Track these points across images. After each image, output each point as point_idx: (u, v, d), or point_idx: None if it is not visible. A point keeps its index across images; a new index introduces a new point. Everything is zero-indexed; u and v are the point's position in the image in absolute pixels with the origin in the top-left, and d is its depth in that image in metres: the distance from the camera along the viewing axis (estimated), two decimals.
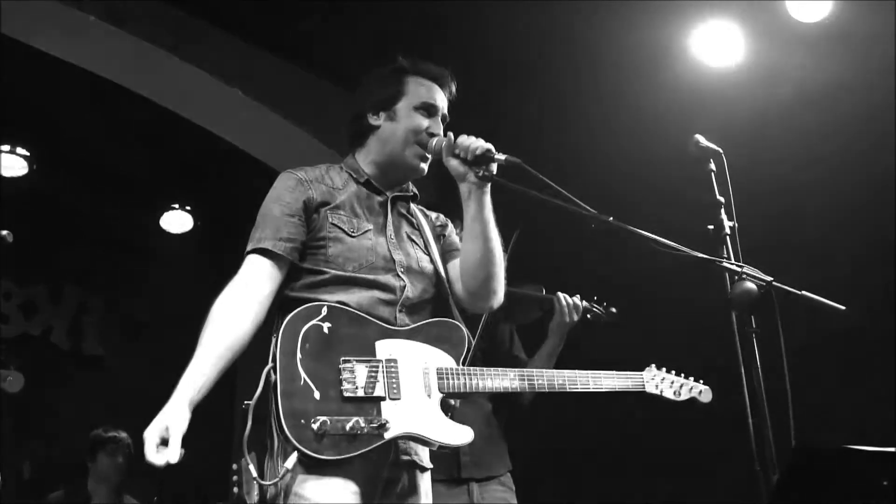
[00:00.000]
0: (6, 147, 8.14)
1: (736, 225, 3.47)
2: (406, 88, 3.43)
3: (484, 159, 3.23)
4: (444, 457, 4.50)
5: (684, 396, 3.98)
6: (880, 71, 5.40)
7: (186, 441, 8.57)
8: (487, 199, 3.32)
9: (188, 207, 9.19)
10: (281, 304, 3.19)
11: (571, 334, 4.93)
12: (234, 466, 5.78)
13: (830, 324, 3.56)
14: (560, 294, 4.89)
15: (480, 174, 3.25)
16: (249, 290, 3.19)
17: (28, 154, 8.15)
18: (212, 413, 9.16)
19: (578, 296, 4.92)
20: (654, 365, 3.93)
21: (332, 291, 3.15)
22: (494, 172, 3.26)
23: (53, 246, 8.99)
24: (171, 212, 9.20)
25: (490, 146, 3.25)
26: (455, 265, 3.45)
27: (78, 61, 7.02)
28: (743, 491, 3.22)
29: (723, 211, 3.50)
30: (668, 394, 3.92)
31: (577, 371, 3.51)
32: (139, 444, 7.00)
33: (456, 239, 3.55)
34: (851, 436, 2.88)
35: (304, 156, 6.84)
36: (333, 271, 3.19)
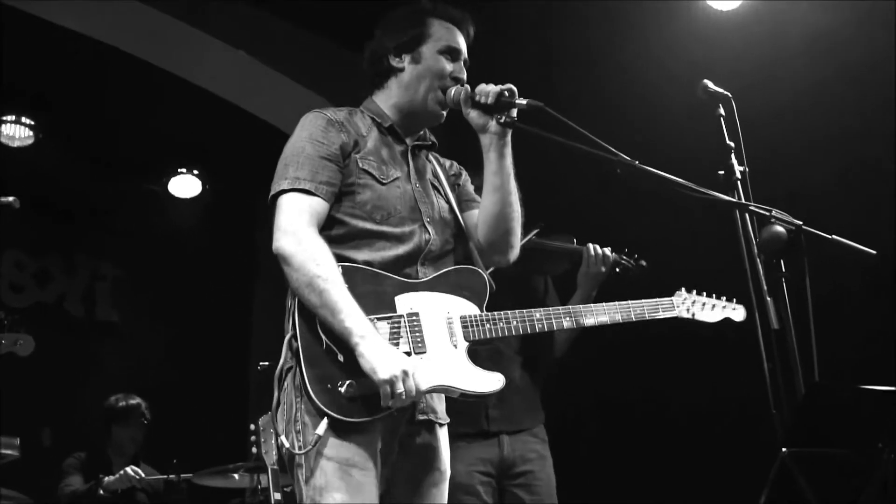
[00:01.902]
0: (11, 117, 8.12)
1: (747, 169, 3.44)
2: (430, 31, 3.36)
3: (504, 103, 3.19)
4: (472, 411, 4.55)
5: (717, 317, 3.87)
6: (888, 15, 5.34)
7: (203, 403, 8.60)
8: (508, 150, 3.30)
9: (196, 171, 9.16)
10: None
11: (604, 288, 4.89)
12: (252, 427, 5.84)
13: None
14: (590, 245, 4.86)
15: (503, 121, 3.22)
16: (314, 233, 3.05)
17: (33, 123, 8.13)
18: (227, 376, 9.31)
19: (609, 248, 4.89)
20: (683, 288, 3.83)
21: (358, 247, 3.12)
22: (516, 118, 3.22)
23: (63, 214, 9.01)
24: (178, 176, 9.18)
25: (510, 86, 3.22)
26: (471, 216, 3.42)
27: (83, 29, 7.00)
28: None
29: (733, 155, 3.47)
30: (701, 316, 3.78)
31: (604, 303, 3.45)
32: (154, 408, 7.05)
33: (471, 188, 3.51)
34: (872, 379, 2.88)
35: None
36: (360, 223, 3.14)
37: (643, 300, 3.55)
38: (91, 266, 9.44)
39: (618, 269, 4.85)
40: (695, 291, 3.81)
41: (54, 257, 9.20)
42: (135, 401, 7.30)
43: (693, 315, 3.78)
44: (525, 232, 4.61)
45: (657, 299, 3.65)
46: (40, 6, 6.74)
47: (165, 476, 6.82)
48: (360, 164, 3.20)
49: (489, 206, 3.33)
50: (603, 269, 4.82)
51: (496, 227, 3.33)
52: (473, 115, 3.26)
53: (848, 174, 5.54)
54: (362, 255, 3.10)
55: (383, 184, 3.22)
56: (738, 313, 3.92)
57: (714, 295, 3.90)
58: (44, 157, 8.30)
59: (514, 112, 3.21)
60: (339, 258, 3.04)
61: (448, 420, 3.29)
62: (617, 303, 3.47)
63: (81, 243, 9.39)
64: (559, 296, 5.09)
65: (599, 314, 3.40)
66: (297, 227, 3.03)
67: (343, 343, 2.91)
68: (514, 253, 3.41)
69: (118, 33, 7.16)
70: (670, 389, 6.34)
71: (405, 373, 2.86)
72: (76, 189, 8.95)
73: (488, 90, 3.21)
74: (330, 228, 3.13)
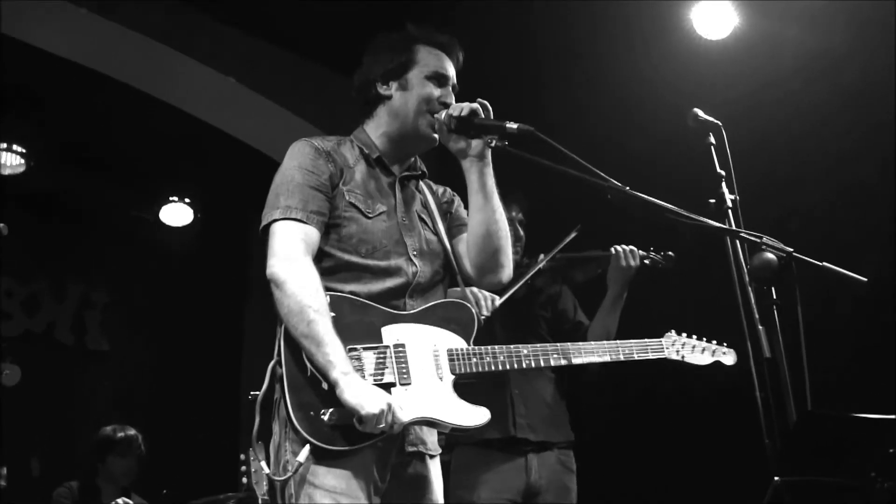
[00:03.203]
0: (3, 144, 8.10)
1: (737, 198, 3.44)
2: (417, 57, 3.35)
3: (478, 125, 3.21)
4: (499, 420, 4.56)
5: (707, 360, 3.90)
6: (880, 40, 5.36)
7: (193, 433, 8.55)
8: (489, 170, 3.29)
9: (187, 200, 9.16)
10: None
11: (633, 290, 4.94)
12: (243, 457, 5.81)
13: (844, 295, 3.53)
14: (616, 246, 4.89)
15: (492, 144, 3.23)
16: (309, 262, 3.06)
17: (25, 151, 8.12)
18: (218, 405, 9.26)
19: (633, 246, 4.91)
20: (673, 331, 3.85)
21: (344, 280, 3.11)
22: (507, 143, 3.23)
23: (54, 242, 8.99)
24: (170, 204, 9.17)
25: (475, 105, 3.22)
26: (462, 240, 3.41)
27: (70, 55, 7.00)
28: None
29: (724, 184, 3.47)
30: (691, 359, 3.83)
31: (593, 343, 3.50)
32: (144, 437, 7.01)
33: (464, 213, 3.48)
34: (864, 406, 2.87)
35: None
36: (346, 256, 3.13)
37: (632, 340, 3.60)
38: (81, 294, 9.41)
39: (647, 263, 4.86)
40: (685, 334, 3.84)
41: (44, 285, 9.16)
42: (132, 432, 7.25)
43: (683, 357, 3.82)
44: (565, 234, 4.65)
45: (647, 340, 3.70)
46: (32, 34, 6.74)
47: None
48: (347, 197, 3.20)
49: (475, 227, 3.33)
50: (633, 263, 4.82)
51: (484, 247, 3.32)
52: (451, 144, 3.28)
53: (841, 198, 5.55)
54: (349, 287, 3.09)
55: (368, 217, 3.21)
56: (728, 357, 3.96)
57: (705, 338, 3.93)
58: (35, 185, 8.28)
59: (506, 133, 3.18)
60: (327, 290, 3.03)
61: (440, 451, 3.26)
62: (607, 342, 3.52)
63: (71, 271, 9.36)
64: (590, 309, 5.13)
65: (588, 353, 3.43)
66: (292, 254, 3.03)
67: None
68: (506, 273, 3.39)
69: (110, 61, 7.15)
70: (661, 419, 6.32)
71: (389, 406, 2.86)
72: (67, 217, 8.95)
73: (459, 108, 3.22)
74: (318, 261, 3.11)
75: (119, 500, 6.63)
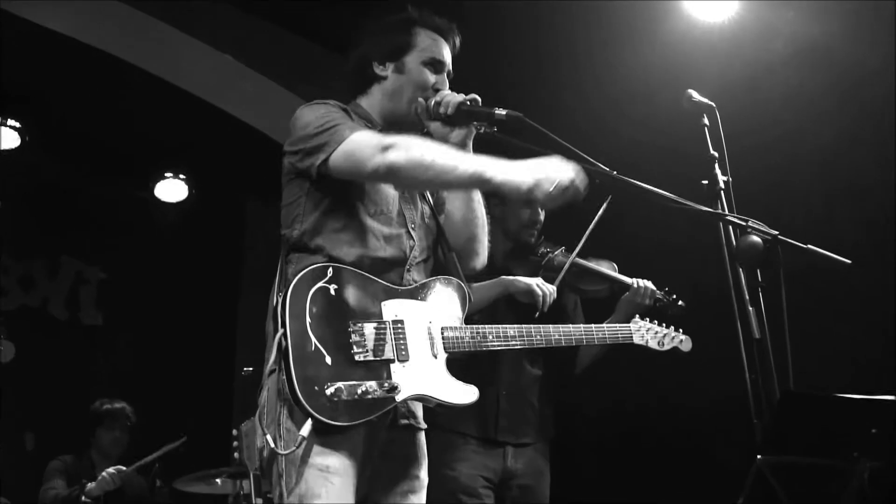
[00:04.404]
0: None
1: (730, 179, 3.47)
2: (415, 40, 3.36)
3: (464, 112, 3.21)
4: (482, 416, 4.63)
5: (667, 346, 4.18)
6: (875, 25, 5.36)
7: (187, 408, 8.59)
8: None
9: (182, 176, 9.16)
10: (293, 248, 3.14)
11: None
12: (235, 432, 5.84)
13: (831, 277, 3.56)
14: (637, 279, 4.86)
15: (482, 130, 3.25)
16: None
17: (19, 126, 8.10)
18: (211, 381, 9.30)
19: (651, 282, 4.90)
20: (637, 316, 4.01)
21: (350, 242, 3.10)
22: (496, 129, 3.24)
23: (49, 218, 8.99)
24: (165, 181, 9.18)
25: (474, 95, 3.23)
26: (441, 221, 3.43)
27: (67, 31, 6.99)
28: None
29: (717, 165, 3.49)
30: (653, 344, 4.09)
31: (571, 326, 3.65)
32: (138, 412, 7.05)
33: (444, 194, 3.49)
34: (847, 387, 2.89)
35: None
36: (355, 214, 3.13)
37: (605, 325, 3.87)
38: (76, 269, 9.42)
39: (657, 305, 4.86)
40: (647, 320, 3.98)
41: (39, 261, 9.18)
42: (119, 404, 7.30)
43: (647, 342, 4.00)
44: (598, 205, 4.63)
45: (618, 325, 4.02)
46: (25, 7, 6.72)
47: (143, 462, 6.81)
48: None
49: (452, 213, 3.38)
50: (647, 301, 4.83)
51: (460, 233, 3.38)
52: (434, 127, 3.28)
53: (833, 185, 5.56)
54: (354, 251, 3.09)
55: None
56: (685, 344, 4.14)
57: (664, 324, 4.04)
58: (29, 161, 8.28)
59: (495, 119, 3.20)
60: (331, 257, 3.05)
61: (425, 426, 3.29)
62: (584, 325, 3.74)
63: (66, 247, 9.37)
64: (585, 315, 5.15)
65: (568, 335, 3.61)
66: (385, 141, 3.03)
67: (331, 345, 2.91)
68: (480, 260, 3.43)
69: (105, 36, 7.14)
70: (652, 401, 6.35)
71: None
72: (62, 193, 8.95)
73: (448, 100, 3.23)
74: (327, 220, 3.12)
75: (105, 473, 6.67)
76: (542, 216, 4.98)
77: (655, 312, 4.77)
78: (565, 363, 5.00)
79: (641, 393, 6.37)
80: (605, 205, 4.64)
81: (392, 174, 3.02)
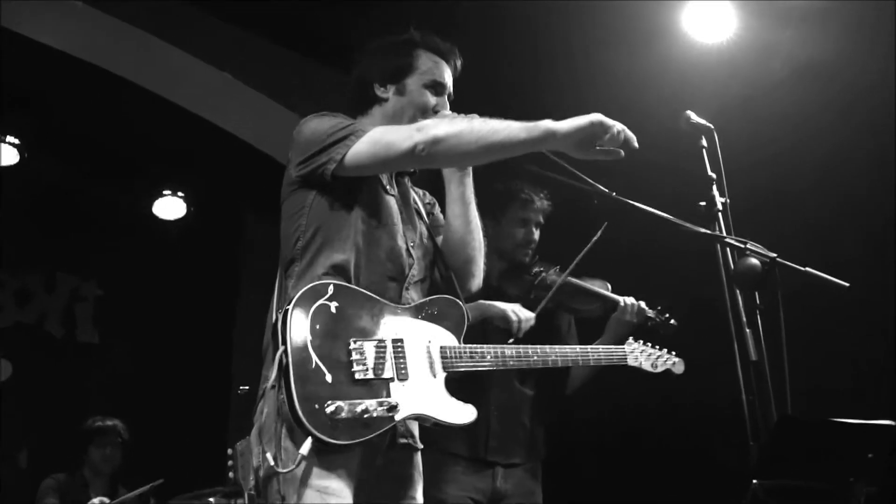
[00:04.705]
0: None
1: (728, 201, 3.46)
2: (417, 63, 3.38)
3: None
4: (472, 436, 4.59)
5: (660, 368, 4.20)
6: (872, 44, 5.37)
7: (182, 426, 8.52)
8: (469, 180, 3.36)
9: (180, 193, 9.16)
10: (293, 260, 3.12)
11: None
12: (230, 451, 5.81)
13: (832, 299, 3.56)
14: (626, 298, 4.87)
15: None
16: None
17: (18, 143, 8.10)
18: (208, 399, 9.27)
19: (644, 302, 4.90)
20: (631, 338, 4.02)
21: (352, 257, 3.09)
22: None
23: (46, 234, 8.99)
24: (163, 198, 9.17)
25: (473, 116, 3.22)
26: (438, 243, 3.44)
27: (66, 48, 6.99)
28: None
29: (714, 187, 3.49)
30: (647, 366, 4.10)
31: (567, 346, 3.63)
32: (133, 430, 7.02)
33: (441, 217, 3.51)
34: (844, 411, 2.89)
35: None
36: (357, 225, 3.12)
37: (600, 346, 3.92)
38: (72, 286, 9.41)
39: (648, 324, 4.85)
40: (641, 342, 3.98)
41: (35, 277, 9.16)
42: (111, 422, 7.28)
43: (640, 364, 4.02)
44: (594, 230, 4.64)
45: (613, 346, 4.03)
46: (27, 26, 6.73)
47: (122, 499, 6.78)
48: None
49: (450, 235, 3.39)
50: (636, 320, 4.83)
51: (458, 254, 3.39)
52: None
53: (831, 203, 5.57)
54: (354, 264, 3.09)
55: (387, 193, 3.25)
56: (678, 367, 4.15)
57: (657, 347, 4.05)
58: (26, 176, 8.27)
59: None
60: (332, 270, 3.05)
61: (422, 446, 3.28)
62: (579, 347, 3.79)
63: (62, 263, 9.36)
64: (579, 335, 5.13)
65: (564, 356, 3.61)
66: (418, 123, 3.10)
67: (331, 363, 2.90)
68: (476, 282, 3.45)
69: (104, 55, 7.15)
70: (649, 421, 6.34)
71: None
72: (60, 208, 8.95)
73: (451, 119, 3.23)
74: (327, 231, 3.11)
75: (95, 500, 6.64)
76: (536, 236, 4.97)
77: (647, 332, 4.76)
78: (557, 383, 4.98)
79: (641, 394, 6.36)
80: (600, 231, 4.67)
81: (437, 146, 3.00)
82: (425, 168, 3.30)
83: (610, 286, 4.94)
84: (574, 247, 4.71)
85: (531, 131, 2.96)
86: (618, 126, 2.97)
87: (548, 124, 2.96)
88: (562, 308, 4.94)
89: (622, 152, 3.02)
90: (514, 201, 4.89)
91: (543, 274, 4.86)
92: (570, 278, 4.77)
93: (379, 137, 3.06)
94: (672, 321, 4.86)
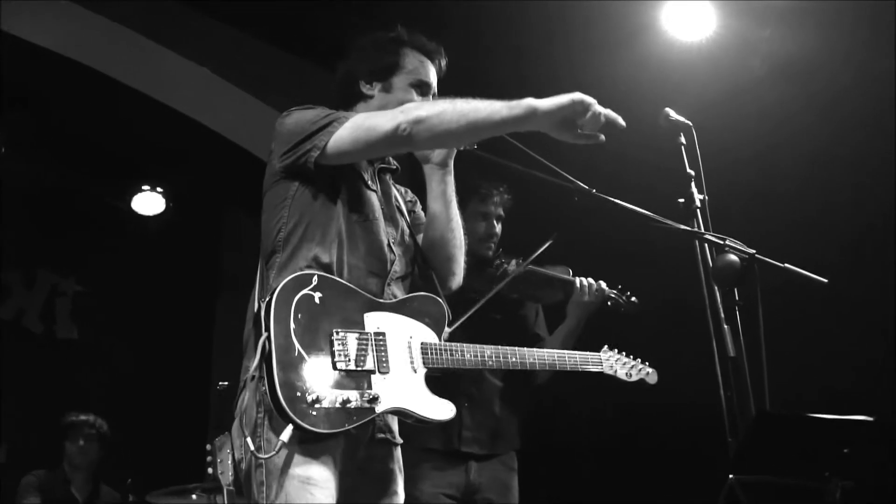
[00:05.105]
0: None
1: (706, 198, 3.48)
2: (403, 61, 3.39)
3: None
4: (445, 428, 4.59)
5: (634, 378, 4.22)
6: (852, 43, 5.40)
7: (161, 421, 8.48)
8: (450, 178, 3.37)
9: (160, 189, 9.13)
10: (275, 251, 3.11)
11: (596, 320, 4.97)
12: (209, 447, 5.80)
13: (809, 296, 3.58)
14: (581, 278, 4.90)
15: (463, 147, 3.28)
16: None
17: None
18: (187, 395, 9.23)
19: (602, 281, 4.92)
20: (606, 346, 4.04)
21: (333, 248, 3.09)
22: (475, 146, 3.27)
23: (25, 230, 8.93)
24: (142, 193, 9.13)
25: None
26: (418, 241, 3.45)
27: (46, 44, 6.96)
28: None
29: (693, 184, 3.50)
30: (621, 374, 4.11)
31: (545, 350, 3.65)
32: (112, 426, 6.98)
33: (422, 215, 3.53)
34: (821, 407, 2.91)
35: None
36: (339, 220, 3.12)
37: (577, 352, 3.80)
38: (51, 282, 9.36)
39: (609, 304, 4.87)
40: (616, 350, 4.02)
41: (13, 272, 9.11)
42: (84, 416, 7.25)
43: (615, 372, 4.03)
44: (542, 240, 4.67)
45: (589, 353, 3.91)
46: (8, 22, 6.69)
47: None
48: (354, 165, 3.23)
49: (430, 233, 3.40)
50: (593, 300, 4.85)
51: (437, 253, 3.39)
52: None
53: (810, 201, 5.59)
54: (336, 256, 3.09)
55: (369, 188, 3.26)
56: (651, 377, 4.20)
57: (631, 356, 4.08)
58: (7, 172, 8.23)
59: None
60: (313, 261, 3.05)
61: (402, 441, 3.29)
62: (557, 351, 3.70)
63: (42, 259, 9.32)
64: (548, 324, 5.13)
65: (542, 360, 3.57)
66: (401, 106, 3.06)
67: (313, 352, 2.90)
68: (457, 281, 3.45)
69: (85, 50, 7.13)
70: (628, 418, 6.35)
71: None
72: (37, 204, 8.90)
73: None
74: (309, 223, 3.11)
75: None
76: (498, 229, 4.99)
77: (609, 311, 4.83)
78: (527, 374, 4.98)
79: (619, 392, 6.39)
80: (549, 242, 4.73)
81: (419, 125, 2.98)
82: (408, 151, 3.27)
83: (571, 271, 4.97)
84: (542, 239, 4.78)
85: (513, 108, 2.94)
86: (599, 107, 2.95)
87: (529, 101, 2.94)
88: (525, 297, 4.97)
89: (603, 137, 3.00)
90: (473, 196, 4.90)
91: (505, 266, 4.88)
92: (531, 266, 4.80)
93: (361, 122, 3.07)
94: (634, 299, 4.90)
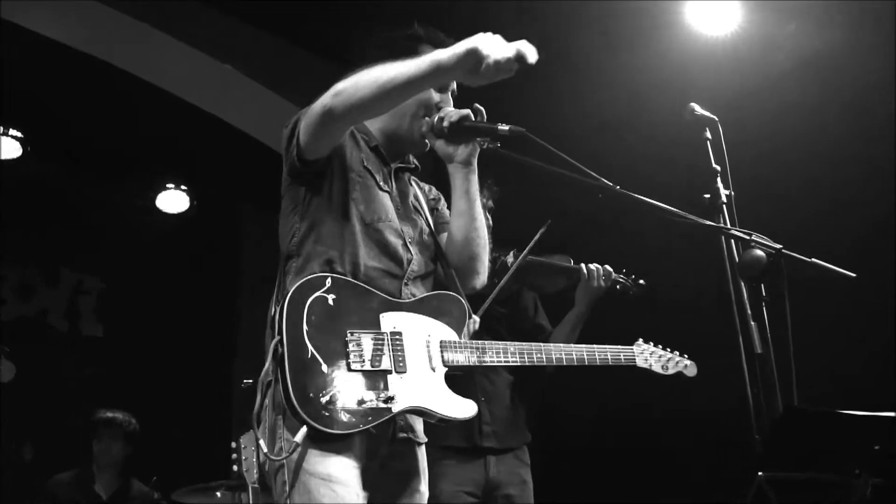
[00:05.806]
0: None
1: (732, 193, 3.45)
2: None
3: (467, 127, 3.21)
4: (466, 425, 4.57)
5: (671, 371, 4.09)
6: (877, 39, 5.37)
7: (186, 419, 8.52)
8: (474, 177, 3.34)
9: (184, 187, 9.16)
10: (290, 256, 3.12)
11: (598, 308, 4.95)
12: (234, 445, 5.82)
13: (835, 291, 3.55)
14: (586, 264, 4.90)
15: (485, 146, 3.25)
16: None
17: (21, 136, 8.09)
18: (211, 392, 9.26)
19: (608, 266, 4.91)
20: (641, 339, 3.97)
21: (347, 251, 3.08)
22: (499, 145, 3.23)
23: (49, 228, 8.98)
24: (166, 191, 9.17)
25: (476, 106, 3.24)
26: (443, 239, 3.43)
27: (69, 41, 6.99)
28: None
29: (719, 179, 3.48)
30: (657, 368, 4.01)
31: (572, 345, 3.54)
32: (138, 423, 7.01)
33: (447, 213, 3.50)
34: (850, 403, 2.88)
35: None
36: (351, 221, 3.11)
37: (607, 346, 3.68)
38: (75, 280, 9.41)
39: (617, 287, 4.87)
40: (652, 343, 3.94)
41: (37, 270, 9.16)
42: (112, 414, 7.24)
43: (650, 366, 3.94)
44: (535, 228, 4.65)
45: (620, 347, 3.80)
46: (28, 18, 6.73)
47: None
48: (364, 163, 3.22)
49: (455, 231, 3.37)
50: (602, 284, 4.83)
51: (461, 252, 3.37)
52: (438, 145, 3.29)
53: (834, 196, 5.56)
54: (350, 258, 3.09)
55: (381, 189, 3.24)
56: (690, 369, 4.09)
57: (668, 349, 4.01)
58: (31, 170, 8.27)
59: (498, 135, 3.18)
60: (327, 265, 3.05)
61: (426, 440, 3.27)
62: (585, 346, 3.57)
63: (66, 257, 9.37)
64: (552, 314, 5.11)
65: (568, 354, 3.48)
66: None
67: (328, 354, 2.90)
68: (481, 280, 3.43)
69: (107, 48, 7.15)
70: (654, 414, 6.34)
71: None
72: (62, 202, 8.94)
73: (450, 115, 3.22)
74: (322, 227, 3.11)
75: None
76: (489, 221, 4.98)
77: (617, 295, 4.81)
78: (536, 367, 4.98)
79: (643, 390, 6.37)
80: (542, 229, 4.71)
81: (337, 98, 2.97)
82: (339, 129, 3.15)
83: (572, 260, 4.95)
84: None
85: (419, 64, 2.91)
86: (496, 54, 2.88)
87: (433, 55, 2.91)
88: (526, 287, 4.96)
89: (513, 70, 2.94)
90: None
91: (503, 258, 4.87)
92: (530, 257, 4.78)
93: (309, 109, 3.06)
94: (642, 281, 4.88)
